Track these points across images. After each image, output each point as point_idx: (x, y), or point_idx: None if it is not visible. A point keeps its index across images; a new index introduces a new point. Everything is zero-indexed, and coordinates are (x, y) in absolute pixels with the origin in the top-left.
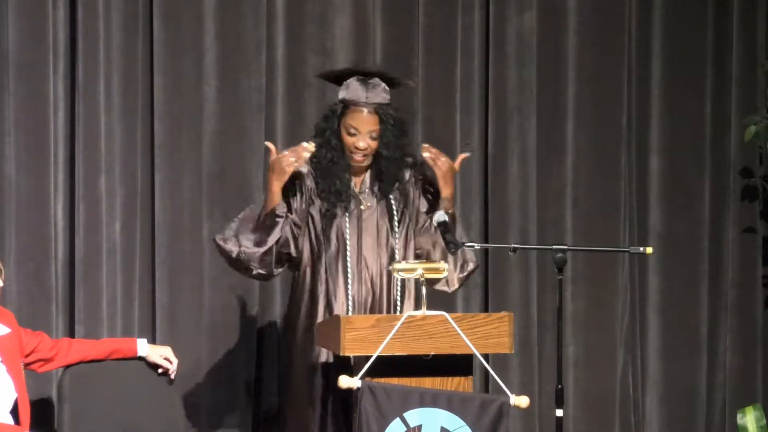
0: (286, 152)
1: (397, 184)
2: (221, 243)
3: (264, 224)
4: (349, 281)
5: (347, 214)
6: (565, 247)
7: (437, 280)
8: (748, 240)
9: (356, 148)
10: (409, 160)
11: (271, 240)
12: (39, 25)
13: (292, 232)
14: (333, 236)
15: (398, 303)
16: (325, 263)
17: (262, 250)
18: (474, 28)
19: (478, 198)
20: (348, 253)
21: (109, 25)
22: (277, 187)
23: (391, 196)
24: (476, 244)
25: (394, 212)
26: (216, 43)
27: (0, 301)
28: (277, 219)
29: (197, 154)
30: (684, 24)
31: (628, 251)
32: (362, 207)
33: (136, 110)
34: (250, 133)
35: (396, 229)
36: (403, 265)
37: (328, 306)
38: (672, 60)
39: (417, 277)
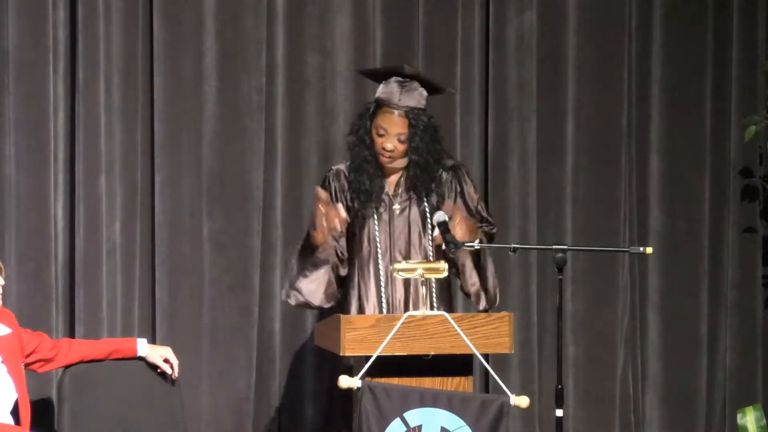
0: (332, 209)
1: (433, 186)
2: (285, 298)
3: (316, 263)
4: (382, 283)
5: (375, 215)
6: (565, 247)
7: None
8: (748, 240)
9: (383, 149)
10: (448, 162)
11: (326, 274)
12: (39, 25)
13: (338, 255)
14: (365, 238)
15: (434, 303)
16: (357, 266)
17: (323, 288)
18: (474, 28)
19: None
20: (379, 256)
21: (109, 25)
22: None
23: (425, 200)
24: (476, 244)
25: (427, 214)
26: (216, 43)
27: (1, 300)
28: (326, 255)
29: (197, 154)
30: (684, 24)
31: (628, 251)
32: (395, 209)
33: (136, 110)
34: (250, 133)
35: (429, 231)
36: (403, 265)
37: (360, 309)
38: (672, 60)
39: (417, 277)
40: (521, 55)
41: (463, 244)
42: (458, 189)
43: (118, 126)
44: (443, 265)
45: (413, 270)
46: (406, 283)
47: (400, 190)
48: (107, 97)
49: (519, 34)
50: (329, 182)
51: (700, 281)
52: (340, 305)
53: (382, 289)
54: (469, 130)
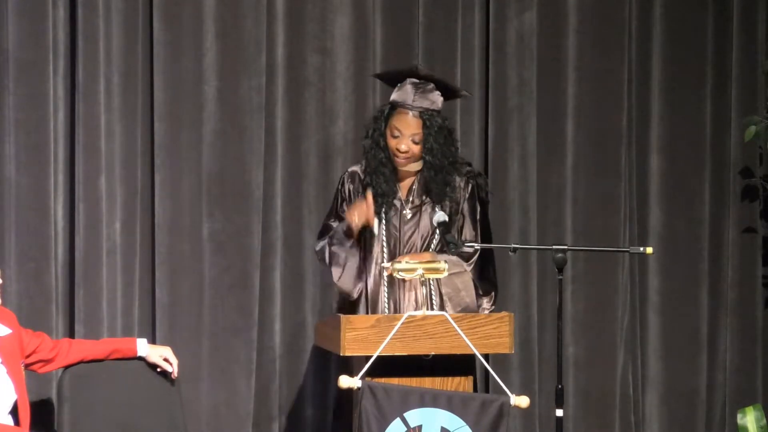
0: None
1: (447, 190)
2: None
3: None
4: (385, 287)
5: (385, 220)
6: (565, 247)
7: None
8: (748, 240)
9: (398, 150)
10: (464, 168)
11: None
12: (39, 25)
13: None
14: (376, 242)
15: (435, 307)
16: (367, 269)
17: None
18: (474, 28)
19: None
20: (385, 260)
21: (109, 25)
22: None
23: (436, 206)
24: (476, 245)
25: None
26: (216, 43)
27: (1, 300)
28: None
29: (197, 154)
30: (684, 24)
31: (628, 251)
32: (405, 213)
33: (136, 110)
34: (250, 133)
35: (436, 241)
36: (403, 265)
37: (373, 311)
38: (672, 60)
39: (417, 277)
40: (521, 55)
41: (463, 244)
42: (466, 197)
43: (118, 126)
44: (443, 265)
45: (413, 270)
46: (416, 287)
47: (412, 196)
48: (107, 97)
49: (519, 34)
50: (344, 183)
51: (700, 281)
52: (351, 306)
53: (385, 293)
54: (469, 130)
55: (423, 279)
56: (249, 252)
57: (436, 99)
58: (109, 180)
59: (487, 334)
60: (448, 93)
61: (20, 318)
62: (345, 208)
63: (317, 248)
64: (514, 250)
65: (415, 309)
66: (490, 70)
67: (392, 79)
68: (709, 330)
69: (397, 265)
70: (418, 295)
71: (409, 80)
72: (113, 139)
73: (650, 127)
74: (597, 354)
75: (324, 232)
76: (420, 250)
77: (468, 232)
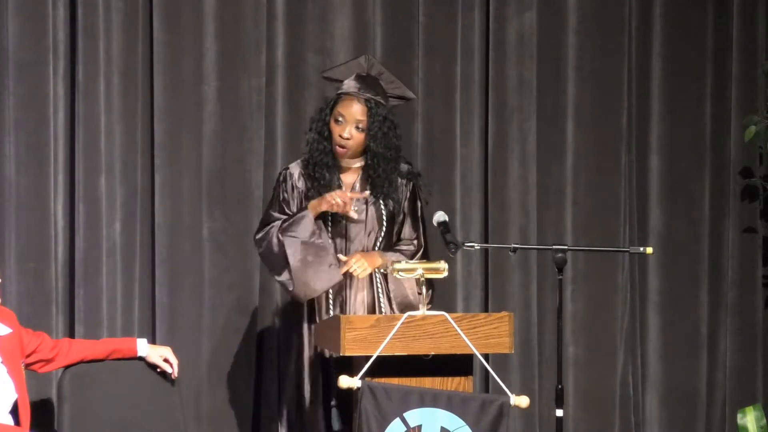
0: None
1: (390, 189)
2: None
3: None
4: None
5: (330, 217)
6: (565, 247)
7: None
8: (748, 240)
9: (340, 136)
10: (404, 167)
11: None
12: (39, 25)
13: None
14: None
15: (382, 308)
16: None
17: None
18: (474, 28)
19: (478, 198)
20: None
21: (109, 25)
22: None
23: (381, 202)
24: (476, 244)
25: (383, 218)
26: (216, 43)
27: (0, 300)
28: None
29: (197, 154)
30: (684, 24)
31: (628, 251)
32: (352, 212)
33: (136, 110)
34: (250, 133)
35: (381, 237)
36: (403, 265)
37: (319, 312)
38: (672, 60)
39: (417, 277)
40: (521, 55)
41: (463, 244)
42: (407, 196)
43: (118, 126)
44: (443, 265)
45: (413, 270)
46: (361, 285)
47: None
48: (107, 97)
49: (519, 34)
50: (285, 179)
51: (700, 281)
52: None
53: (331, 292)
54: (469, 130)
55: (423, 279)
56: (249, 252)
57: (383, 93)
58: (109, 180)
59: (487, 334)
60: (394, 98)
61: (20, 318)
62: (284, 203)
63: (258, 236)
64: (514, 250)
65: (364, 308)
66: (490, 70)
67: (342, 76)
68: (709, 330)
69: (397, 265)
70: (366, 295)
71: (356, 74)
72: (113, 139)
73: (650, 127)
74: (597, 354)
75: (266, 221)
76: (367, 248)
77: (408, 231)
